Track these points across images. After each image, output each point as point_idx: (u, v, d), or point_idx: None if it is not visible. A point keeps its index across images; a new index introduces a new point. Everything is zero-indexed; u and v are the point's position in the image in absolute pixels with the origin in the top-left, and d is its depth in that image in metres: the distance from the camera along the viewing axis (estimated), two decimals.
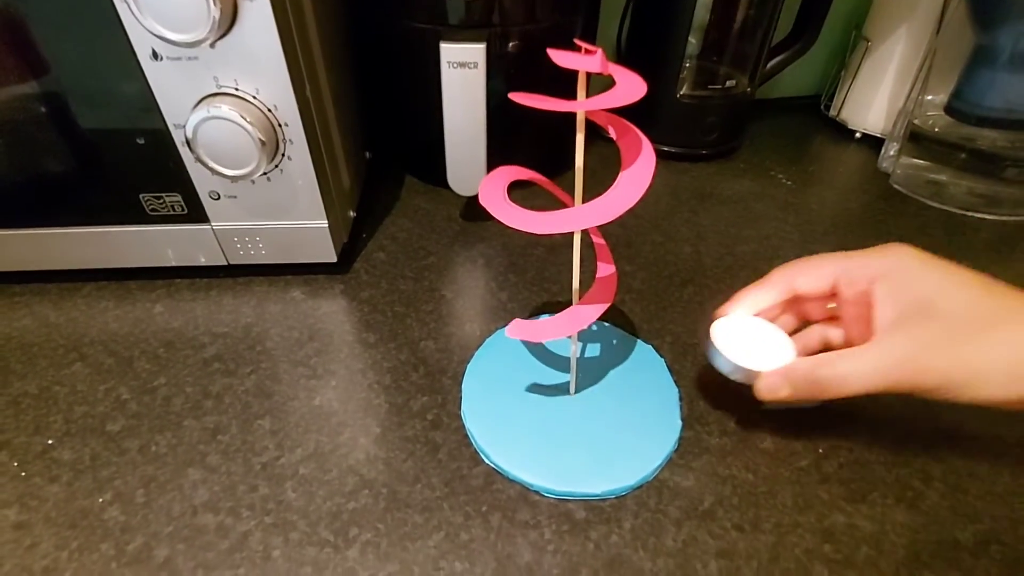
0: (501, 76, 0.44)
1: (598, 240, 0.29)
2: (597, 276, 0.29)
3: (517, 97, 0.22)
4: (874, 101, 0.59)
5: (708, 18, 0.51)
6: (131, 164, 0.34)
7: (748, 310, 0.30)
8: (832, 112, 0.64)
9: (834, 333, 0.31)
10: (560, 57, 0.21)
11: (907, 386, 0.25)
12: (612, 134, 0.25)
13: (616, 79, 0.22)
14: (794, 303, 0.31)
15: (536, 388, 0.33)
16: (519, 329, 0.28)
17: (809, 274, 0.29)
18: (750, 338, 0.30)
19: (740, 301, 0.30)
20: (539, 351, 0.35)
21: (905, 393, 0.25)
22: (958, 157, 0.50)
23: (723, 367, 0.29)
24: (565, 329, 0.28)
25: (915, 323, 0.25)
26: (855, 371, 0.26)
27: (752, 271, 0.43)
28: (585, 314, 0.28)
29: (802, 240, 0.47)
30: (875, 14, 0.58)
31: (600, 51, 0.21)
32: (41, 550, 0.25)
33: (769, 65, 0.58)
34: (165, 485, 0.28)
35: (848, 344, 0.30)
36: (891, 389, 0.25)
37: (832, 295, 0.30)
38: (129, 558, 0.25)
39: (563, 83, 0.24)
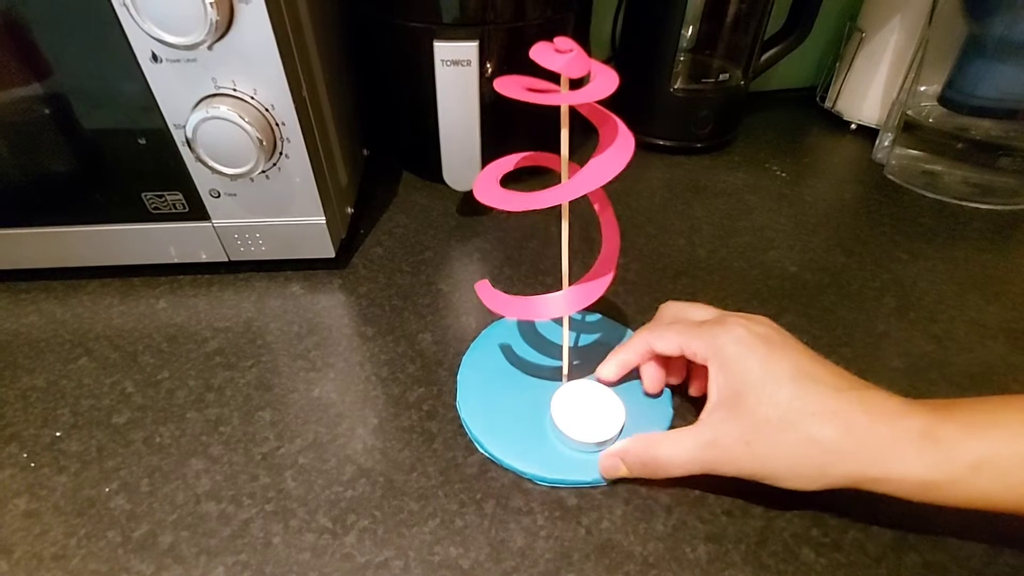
0: (494, 73, 0.44)
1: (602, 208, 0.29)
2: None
3: (500, 86, 0.22)
4: (869, 92, 0.60)
5: (701, 11, 0.51)
6: (133, 164, 0.35)
7: (619, 367, 0.32)
8: (827, 103, 0.64)
9: (673, 379, 0.33)
10: (538, 55, 0.21)
11: (719, 473, 0.26)
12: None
13: (592, 73, 0.23)
14: (659, 358, 0.32)
15: (529, 379, 0.34)
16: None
17: (662, 340, 0.30)
18: (586, 406, 0.31)
19: (611, 361, 0.32)
20: (533, 343, 0.36)
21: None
22: (952, 147, 0.51)
23: (560, 438, 0.30)
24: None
25: (725, 415, 0.26)
26: (674, 456, 0.27)
27: (746, 263, 0.44)
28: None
29: (796, 231, 0.47)
30: (869, 5, 0.58)
31: (574, 51, 0.21)
32: (50, 537, 0.26)
33: (763, 58, 0.58)
34: (169, 475, 0.29)
35: (682, 386, 0.33)
36: (708, 472, 0.27)
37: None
38: (135, 545, 0.26)
39: (557, 79, 0.25)
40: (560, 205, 0.27)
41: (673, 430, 0.28)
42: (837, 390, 0.25)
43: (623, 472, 0.28)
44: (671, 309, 0.33)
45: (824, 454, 0.24)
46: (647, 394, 0.32)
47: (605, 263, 0.29)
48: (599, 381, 0.32)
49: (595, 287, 0.28)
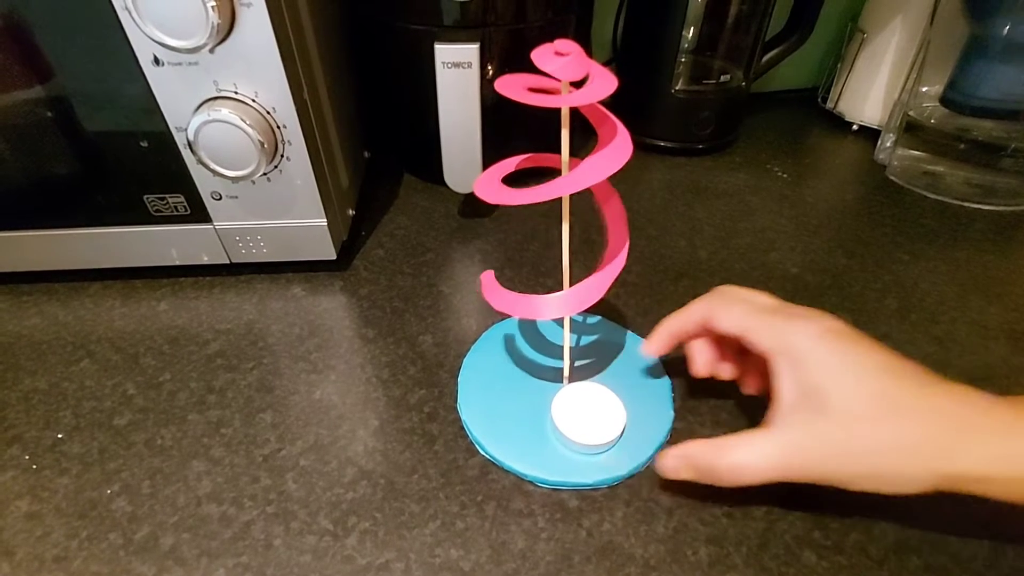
0: (495, 75, 0.44)
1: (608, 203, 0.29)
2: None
3: (501, 86, 0.23)
4: (871, 93, 0.60)
5: (702, 13, 0.51)
6: (135, 166, 0.35)
7: (670, 336, 0.30)
8: (829, 104, 0.64)
9: (726, 368, 0.31)
10: (538, 58, 0.21)
11: (804, 479, 0.25)
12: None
13: (590, 75, 0.23)
14: (712, 339, 0.30)
15: (530, 381, 0.34)
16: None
17: (727, 315, 0.28)
18: (587, 408, 0.31)
19: (662, 328, 0.30)
20: (534, 344, 0.36)
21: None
22: (954, 148, 0.51)
23: (561, 439, 0.30)
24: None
25: (808, 416, 0.24)
26: (751, 462, 0.25)
27: (747, 264, 0.44)
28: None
29: (797, 233, 0.47)
30: (870, 6, 0.58)
31: (570, 55, 0.21)
32: (52, 539, 0.26)
33: (764, 59, 0.58)
34: (170, 477, 0.29)
35: (737, 382, 0.31)
36: (788, 480, 0.25)
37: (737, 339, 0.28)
38: (136, 547, 0.26)
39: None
40: (561, 207, 0.27)
41: (741, 433, 0.26)
42: (922, 385, 0.24)
43: (683, 476, 0.27)
44: (730, 292, 0.30)
45: (921, 452, 0.23)
46: (693, 375, 0.30)
47: (612, 258, 0.28)
48: (644, 352, 0.31)
49: (597, 286, 0.28)
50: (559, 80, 0.23)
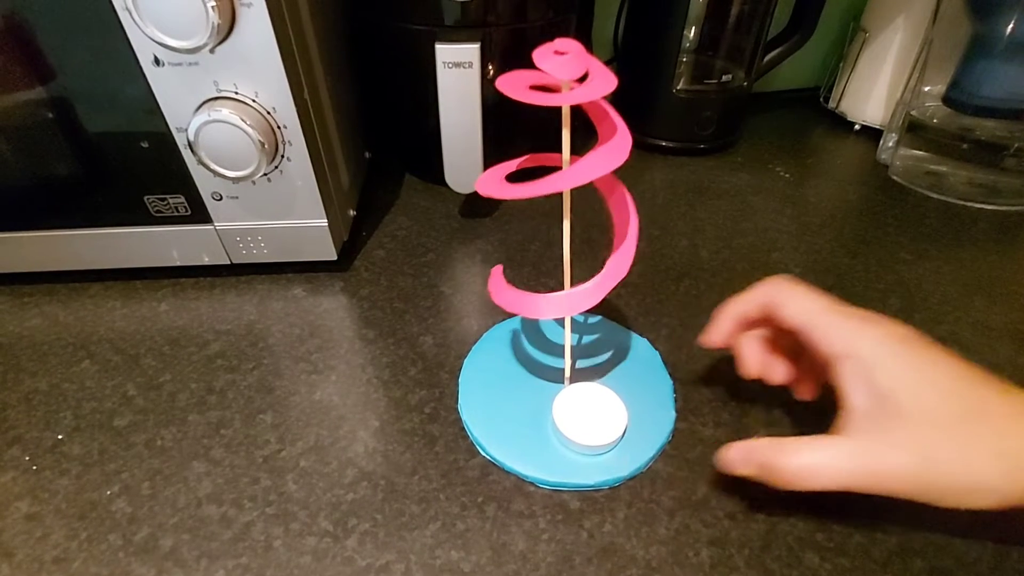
0: (496, 75, 0.44)
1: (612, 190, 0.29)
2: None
3: (502, 84, 0.22)
4: (873, 92, 0.59)
5: (704, 12, 0.51)
6: (135, 167, 0.35)
7: (732, 322, 0.29)
8: (831, 104, 0.64)
9: (779, 369, 0.29)
10: (538, 58, 0.21)
11: (875, 490, 0.23)
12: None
13: (590, 73, 0.23)
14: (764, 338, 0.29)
15: (531, 382, 0.33)
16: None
17: (794, 303, 0.26)
18: (588, 409, 0.30)
19: (724, 315, 0.29)
20: (535, 345, 0.36)
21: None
22: (957, 147, 0.50)
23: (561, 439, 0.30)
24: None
25: (886, 424, 0.23)
26: (822, 466, 0.24)
27: (749, 264, 0.43)
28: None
29: (799, 233, 0.47)
30: (872, 5, 0.58)
31: (568, 54, 0.21)
32: (52, 541, 0.26)
33: (766, 59, 0.58)
34: (170, 478, 0.29)
35: (787, 383, 0.29)
36: (855, 490, 0.23)
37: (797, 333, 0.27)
38: (136, 548, 0.26)
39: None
40: (562, 206, 0.27)
41: (811, 437, 0.25)
42: (1000, 391, 0.23)
43: (742, 471, 0.26)
44: (791, 282, 0.28)
45: (1004, 459, 0.22)
46: (742, 376, 0.28)
47: (618, 247, 0.28)
48: (703, 343, 0.29)
49: (603, 285, 0.27)
50: (560, 78, 0.23)
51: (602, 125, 0.25)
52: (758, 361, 0.28)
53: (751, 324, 0.28)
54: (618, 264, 0.27)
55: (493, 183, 0.26)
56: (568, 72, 0.22)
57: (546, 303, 0.27)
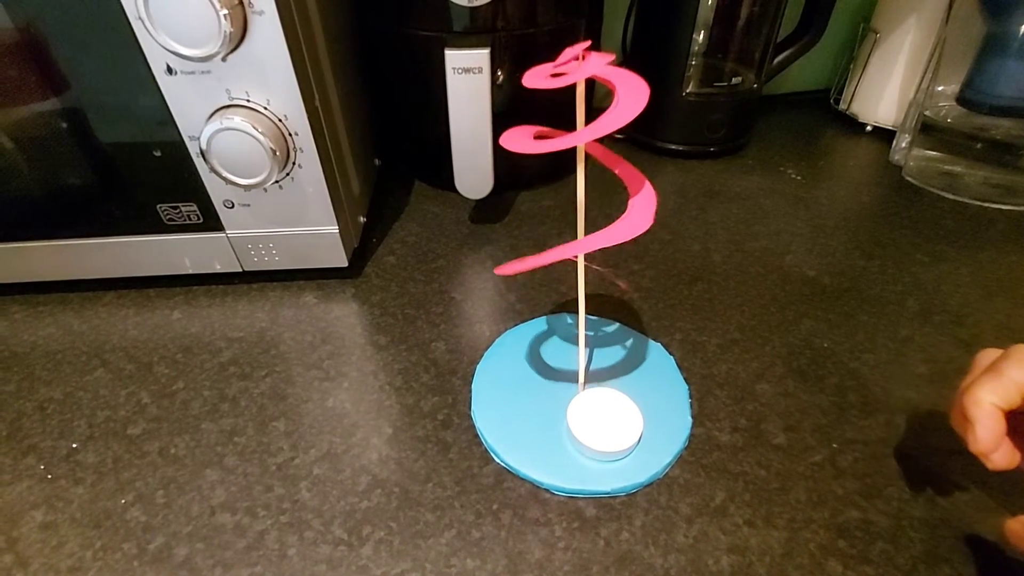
0: (506, 80, 0.44)
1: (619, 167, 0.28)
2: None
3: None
4: (884, 93, 0.59)
5: (713, 15, 0.51)
6: (148, 176, 0.35)
7: (999, 418, 0.23)
8: (842, 106, 0.64)
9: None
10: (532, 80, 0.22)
11: None
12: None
13: (617, 90, 0.23)
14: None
15: (545, 387, 0.33)
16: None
17: None
18: (603, 414, 0.30)
19: (987, 411, 0.23)
20: (548, 350, 0.36)
21: None
22: (972, 147, 0.50)
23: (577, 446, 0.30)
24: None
25: None
26: None
27: (762, 267, 0.43)
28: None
29: (813, 235, 0.47)
30: (883, 5, 0.58)
31: (579, 58, 0.21)
32: (67, 550, 0.26)
33: (776, 61, 0.58)
34: (184, 486, 0.29)
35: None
36: None
37: None
38: (151, 557, 0.26)
39: (569, 87, 0.25)
40: (576, 195, 0.27)
41: None
42: None
43: None
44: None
45: None
46: (976, 451, 0.23)
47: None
48: (978, 451, 0.23)
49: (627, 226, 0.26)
50: (580, 80, 0.23)
51: (619, 84, 0.24)
52: (1000, 435, 0.23)
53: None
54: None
55: (519, 139, 0.25)
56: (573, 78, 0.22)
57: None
